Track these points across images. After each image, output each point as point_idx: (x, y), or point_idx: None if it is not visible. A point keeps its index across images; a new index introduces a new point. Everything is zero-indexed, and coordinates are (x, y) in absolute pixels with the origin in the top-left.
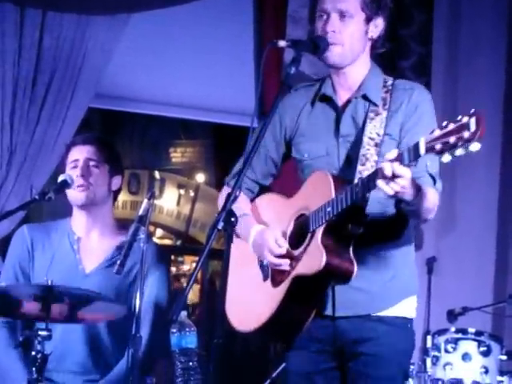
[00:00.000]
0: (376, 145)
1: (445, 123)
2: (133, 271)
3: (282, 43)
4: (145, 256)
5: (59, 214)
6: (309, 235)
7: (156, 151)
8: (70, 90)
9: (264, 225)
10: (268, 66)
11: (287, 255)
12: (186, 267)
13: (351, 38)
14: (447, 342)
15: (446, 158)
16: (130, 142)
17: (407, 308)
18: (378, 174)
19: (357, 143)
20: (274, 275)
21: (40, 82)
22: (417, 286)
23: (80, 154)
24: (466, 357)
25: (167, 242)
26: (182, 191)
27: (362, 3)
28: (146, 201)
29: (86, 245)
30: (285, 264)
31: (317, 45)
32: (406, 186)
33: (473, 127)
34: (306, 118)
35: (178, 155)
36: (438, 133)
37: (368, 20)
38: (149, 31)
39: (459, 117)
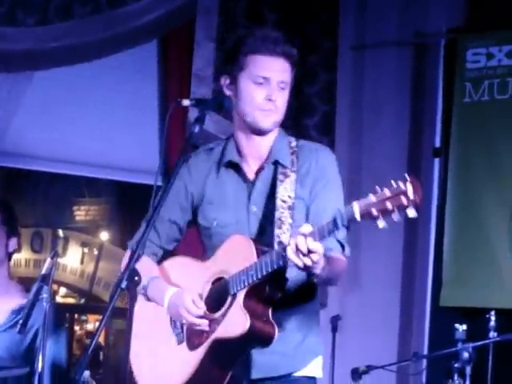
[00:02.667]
0: (289, 207)
1: (378, 189)
2: (31, 331)
3: (186, 102)
4: (47, 316)
5: None
6: (229, 298)
7: (59, 209)
8: None
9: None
10: (172, 124)
11: (205, 318)
12: (89, 326)
13: (284, 107)
14: None
15: (381, 223)
16: (33, 200)
17: (315, 368)
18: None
19: (269, 207)
20: (191, 338)
21: None
22: (322, 346)
23: None
24: None
25: (70, 300)
26: (86, 249)
27: (292, 74)
28: (48, 260)
29: None
30: (204, 325)
31: (221, 104)
32: (318, 260)
33: (410, 194)
34: (213, 184)
35: (81, 213)
36: (373, 198)
37: (291, 89)
38: (52, 89)
39: (393, 182)
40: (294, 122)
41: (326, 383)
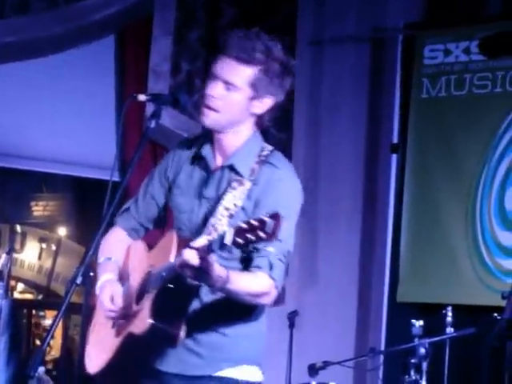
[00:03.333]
0: (230, 216)
1: (249, 220)
2: None
3: (141, 97)
4: (2, 312)
5: None
6: (146, 295)
7: (17, 205)
8: None
9: (128, 273)
10: (129, 119)
11: (130, 309)
12: (47, 322)
13: (230, 108)
14: None
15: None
16: None
17: (242, 374)
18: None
19: (213, 209)
20: (119, 325)
21: None
22: (257, 357)
23: None
24: None
25: (28, 296)
26: (44, 245)
27: (252, 81)
28: (4, 255)
29: None
30: (114, 318)
31: (177, 99)
32: (196, 274)
33: (269, 230)
34: (185, 173)
35: (39, 209)
36: (244, 226)
37: (252, 98)
38: (9, 84)
39: (264, 214)
40: None
41: (282, 379)
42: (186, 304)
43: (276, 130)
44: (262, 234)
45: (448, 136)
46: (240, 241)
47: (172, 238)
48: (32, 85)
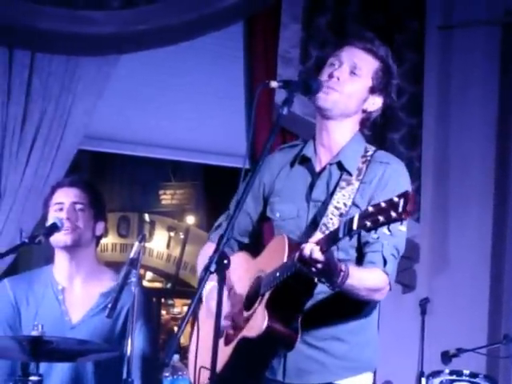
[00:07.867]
0: (341, 214)
1: (378, 202)
2: (122, 315)
3: (273, 84)
4: (136, 299)
5: (47, 259)
6: (259, 298)
7: (146, 193)
8: (60, 132)
9: (231, 284)
10: (259, 106)
11: (239, 316)
12: (176, 310)
13: (350, 93)
14: (442, 383)
15: (374, 235)
16: (119, 184)
17: (362, 382)
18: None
19: (323, 210)
20: (227, 333)
21: (29, 123)
22: (375, 363)
23: (66, 196)
24: None
25: (157, 284)
26: (172, 234)
27: (374, 72)
28: (137, 243)
29: (71, 294)
30: (226, 326)
31: (309, 86)
32: (321, 269)
33: (400, 208)
34: (284, 178)
35: (167, 197)
36: (371, 209)
37: (371, 90)
38: (139, 72)
39: (394, 198)
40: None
41: (415, 366)
42: (300, 306)
43: (406, 114)
44: (393, 214)
45: None
46: (369, 224)
47: (283, 241)
48: (160, 73)
